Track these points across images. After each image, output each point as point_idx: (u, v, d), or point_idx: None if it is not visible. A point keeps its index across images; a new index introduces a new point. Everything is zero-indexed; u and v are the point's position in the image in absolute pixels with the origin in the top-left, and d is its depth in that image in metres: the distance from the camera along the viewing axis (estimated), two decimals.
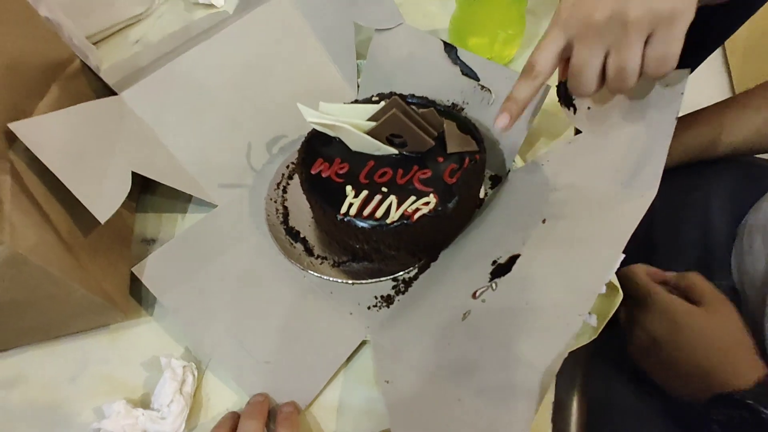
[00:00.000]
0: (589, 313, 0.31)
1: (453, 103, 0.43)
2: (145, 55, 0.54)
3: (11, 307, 0.31)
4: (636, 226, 0.30)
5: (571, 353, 0.33)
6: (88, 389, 0.36)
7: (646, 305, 0.38)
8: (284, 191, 0.43)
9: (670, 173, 0.52)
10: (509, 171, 0.42)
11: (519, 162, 0.42)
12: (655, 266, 0.43)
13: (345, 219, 0.34)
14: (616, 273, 0.30)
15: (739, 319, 0.36)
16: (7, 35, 0.33)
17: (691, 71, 0.34)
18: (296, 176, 0.44)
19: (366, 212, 0.34)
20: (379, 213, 0.34)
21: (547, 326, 0.29)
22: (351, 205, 0.34)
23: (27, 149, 0.33)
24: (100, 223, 0.35)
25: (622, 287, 0.31)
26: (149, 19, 0.60)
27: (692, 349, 0.35)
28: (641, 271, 0.39)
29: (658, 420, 0.40)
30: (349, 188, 0.35)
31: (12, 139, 0.33)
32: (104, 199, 0.35)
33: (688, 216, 0.51)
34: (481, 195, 0.41)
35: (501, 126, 0.34)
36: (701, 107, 0.52)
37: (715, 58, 1.23)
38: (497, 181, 0.42)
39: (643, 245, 0.52)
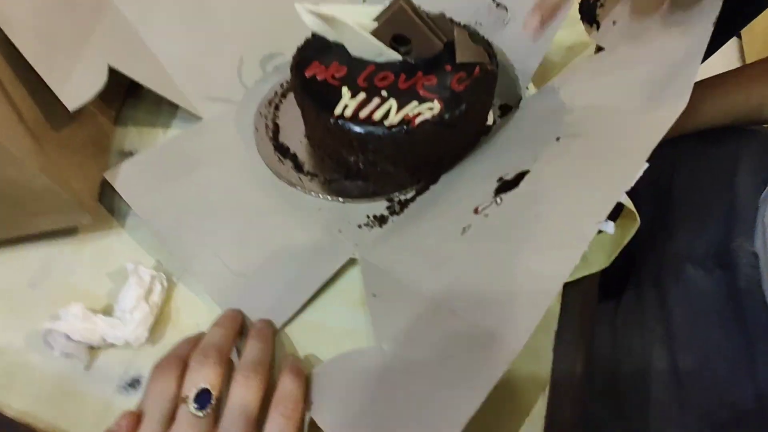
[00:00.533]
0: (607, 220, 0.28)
1: (464, 24, 0.39)
2: None
3: None
4: (661, 137, 0.27)
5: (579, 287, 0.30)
6: (48, 296, 0.33)
7: None
8: (276, 108, 0.40)
9: (699, 135, 0.49)
10: (520, 100, 0.38)
11: (532, 90, 0.39)
12: (674, 226, 0.40)
13: (339, 122, 0.31)
14: None
15: None
16: None
17: (704, 60, 0.31)
18: (290, 95, 0.41)
19: (362, 115, 0.31)
20: (377, 116, 0.30)
21: (557, 236, 0.26)
22: (346, 106, 0.31)
23: None
24: (74, 122, 0.32)
25: None
26: None
27: None
28: None
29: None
30: (345, 89, 0.32)
31: None
32: (76, 88, 0.32)
33: (712, 178, 0.48)
34: (489, 122, 0.38)
35: (532, 27, 0.30)
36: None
37: (730, 49, 1.20)
38: (507, 110, 0.39)
39: (664, 203, 0.49)
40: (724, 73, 0.49)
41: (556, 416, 0.27)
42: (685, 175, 0.49)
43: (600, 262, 0.31)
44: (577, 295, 0.31)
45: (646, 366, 0.43)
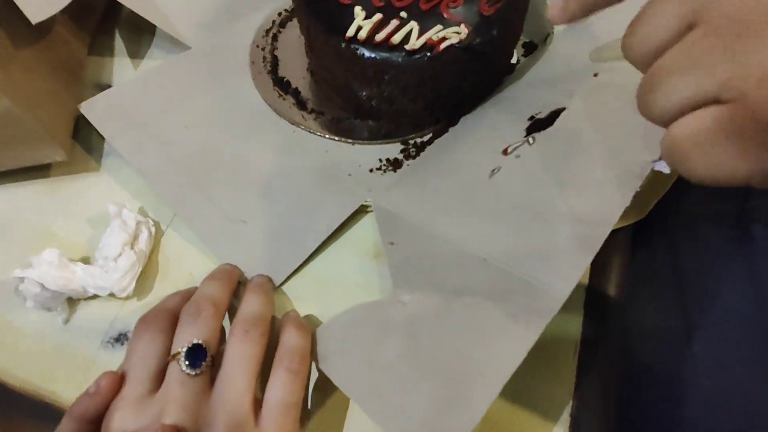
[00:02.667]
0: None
1: None
2: None
3: None
4: None
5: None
6: (18, 242, 0.29)
7: None
8: (275, 39, 0.36)
9: None
10: (548, 36, 0.35)
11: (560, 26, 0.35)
12: (688, 182, 0.38)
13: (351, 46, 0.27)
14: None
15: None
16: None
17: None
18: (291, 24, 0.36)
19: (379, 38, 0.27)
20: (395, 39, 0.26)
21: (603, 175, 0.23)
22: (360, 28, 0.27)
23: None
24: (36, 36, 0.27)
25: None
26: None
27: None
28: None
29: None
30: (358, 9, 0.27)
31: None
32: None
33: None
34: (514, 60, 0.34)
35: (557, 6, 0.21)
36: None
37: None
38: (533, 49, 0.35)
39: None
40: None
41: (587, 375, 0.25)
42: None
43: (636, 212, 0.28)
44: (611, 251, 0.29)
45: (658, 325, 0.42)
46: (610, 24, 0.31)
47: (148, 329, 0.22)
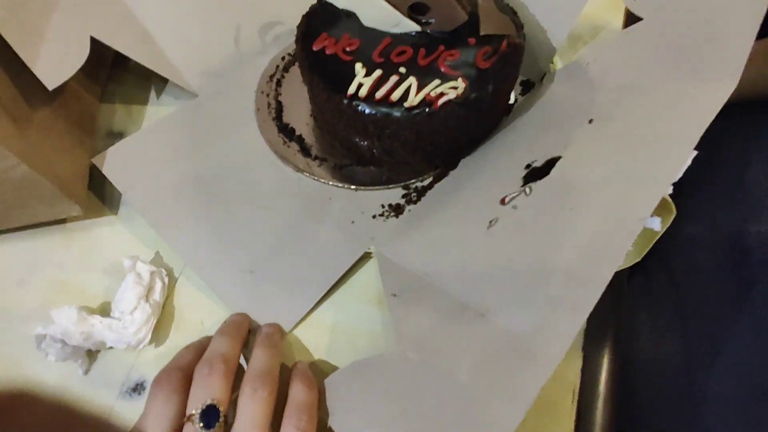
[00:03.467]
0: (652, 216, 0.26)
1: None
2: None
3: None
4: (711, 119, 0.25)
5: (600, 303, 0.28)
6: (37, 295, 0.31)
7: None
8: (278, 84, 0.37)
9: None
10: (545, 75, 0.35)
11: (557, 65, 0.36)
12: (686, 209, 0.38)
13: (353, 103, 0.28)
14: None
15: None
16: None
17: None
18: (294, 69, 0.37)
19: (379, 95, 0.28)
20: (395, 96, 0.27)
21: (597, 232, 0.23)
22: (361, 85, 0.28)
23: None
24: (55, 101, 0.28)
25: None
26: None
27: None
28: None
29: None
30: (359, 66, 0.28)
31: None
32: (55, 63, 0.29)
33: (724, 160, 0.46)
34: (511, 100, 0.35)
35: None
36: None
37: None
38: (530, 87, 0.36)
39: (675, 185, 0.47)
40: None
41: (586, 421, 0.26)
42: (697, 157, 0.47)
43: (632, 256, 0.29)
44: (607, 292, 0.29)
45: (658, 357, 0.42)
46: (606, 68, 0.32)
47: (163, 390, 0.23)
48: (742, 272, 0.40)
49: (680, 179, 0.48)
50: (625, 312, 0.31)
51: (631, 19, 0.32)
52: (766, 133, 0.45)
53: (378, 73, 0.28)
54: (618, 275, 0.30)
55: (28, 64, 0.27)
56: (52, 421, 0.27)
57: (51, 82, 0.28)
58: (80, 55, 0.30)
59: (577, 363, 0.27)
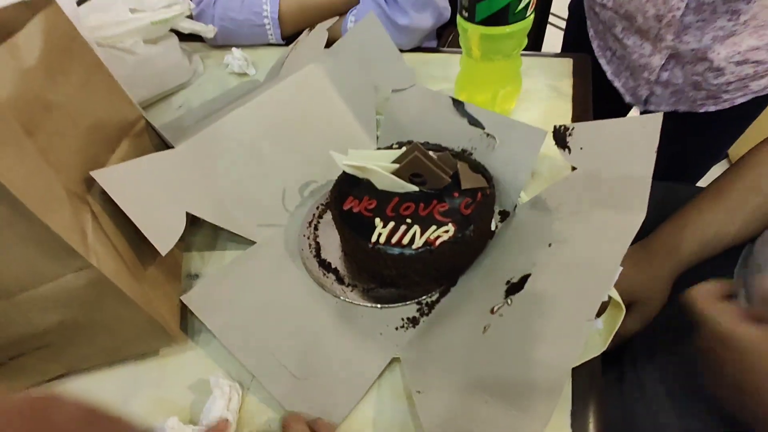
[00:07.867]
0: (596, 318, 0.35)
1: (463, 149, 0.49)
2: (188, 117, 0.62)
3: (87, 327, 0.35)
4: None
5: (585, 370, 0.36)
6: (140, 411, 0.39)
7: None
8: (316, 228, 0.49)
9: None
10: (516, 206, 0.47)
11: (524, 198, 0.47)
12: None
13: (376, 247, 0.39)
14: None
15: None
16: (96, 102, 0.40)
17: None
18: (326, 215, 0.50)
19: (394, 240, 0.39)
20: (405, 240, 0.39)
21: (560, 331, 0.32)
22: (380, 234, 0.39)
23: (102, 192, 0.39)
24: (158, 257, 0.40)
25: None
26: (191, 86, 0.69)
27: None
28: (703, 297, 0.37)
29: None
30: (377, 220, 0.40)
31: (91, 184, 0.39)
32: (164, 234, 0.41)
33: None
34: (493, 227, 0.46)
35: None
36: None
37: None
38: (506, 215, 0.48)
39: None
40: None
41: None
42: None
43: (598, 347, 0.37)
44: (584, 377, 0.37)
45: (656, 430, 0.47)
46: (560, 201, 0.43)
47: None
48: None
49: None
50: (602, 391, 0.38)
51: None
52: None
53: (391, 224, 0.40)
54: (592, 364, 0.38)
55: (149, 237, 0.39)
56: None
57: (164, 248, 0.39)
58: (180, 225, 0.42)
59: None
